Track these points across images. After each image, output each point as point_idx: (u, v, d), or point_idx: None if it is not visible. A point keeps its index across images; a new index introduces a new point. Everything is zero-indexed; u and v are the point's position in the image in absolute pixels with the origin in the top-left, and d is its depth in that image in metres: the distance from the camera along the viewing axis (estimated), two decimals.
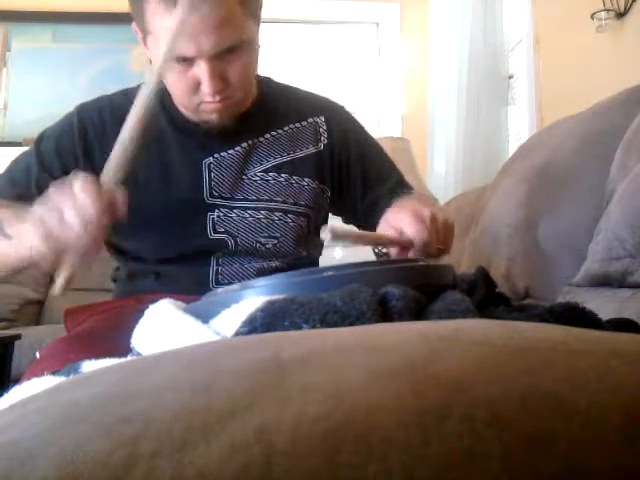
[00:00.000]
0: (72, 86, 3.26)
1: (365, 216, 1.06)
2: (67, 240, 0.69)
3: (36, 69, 3.39)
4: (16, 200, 0.88)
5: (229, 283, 0.96)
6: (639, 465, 0.26)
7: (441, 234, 0.78)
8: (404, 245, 0.76)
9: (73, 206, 0.69)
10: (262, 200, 1.00)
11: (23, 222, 0.73)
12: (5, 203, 0.87)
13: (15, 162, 1.00)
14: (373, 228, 0.86)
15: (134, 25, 0.92)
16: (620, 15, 2.00)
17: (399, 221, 0.77)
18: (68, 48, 3.41)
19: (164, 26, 0.83)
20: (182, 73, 0.88)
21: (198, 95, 0.90)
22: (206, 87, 0.87)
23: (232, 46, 0.86)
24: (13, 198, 0.90)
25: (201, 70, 0.86)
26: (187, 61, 0.86)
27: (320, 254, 1.14)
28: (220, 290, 0.60)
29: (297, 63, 3.42)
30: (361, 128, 1.13)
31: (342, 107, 1.13)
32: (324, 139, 1.07)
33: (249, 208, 0.99)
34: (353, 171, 1.07)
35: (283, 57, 3.37)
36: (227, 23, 0.84)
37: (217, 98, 0.90)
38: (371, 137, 1.13)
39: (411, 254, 0.76)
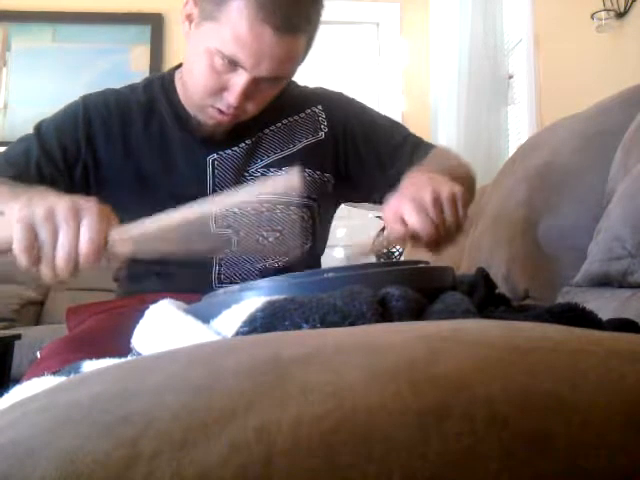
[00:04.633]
0: (72, 86, 3.26)
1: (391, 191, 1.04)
2: (47, 257, 0.65)
3: (36, 69, 3.39)
4: (14, 180, 0.87)
5: (231, 284, 0.95)
6: (639, 465, 0.26)
7: (449, 215, 0.75)
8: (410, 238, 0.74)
9: (73, 235, 0.65)
10: (264, 194, 1.00)
11: (17, 201, 0.69)
12: (2, 180, 0.86)
13: (12, 146, 0.99)
14: None
15: (192, 4, 0.91)
16: (620, 15, 2.00)
17: (400, 208, 0.75)
18: (68, 48, 3.41)
19: (242, 31, 0.83)
20: (218, 73, 0.88)
21: (216, 99, 0.91)
22: (231, 97, 0.88)
23: (278, 77, 0.89)
24: (11, 178, 0.88)
25: (237, 81, 0.87)
26: (233, 65, 0.86)
27: (324, 247, 1.13)
28: (221, 291, 0.60)
29: None
30: (362, 107, 1.11)
31: (339, 93, 1.12)
32: (324, 127, 1.06)
33: (251, 202, 0.99)
34: (364, 153, 1.06)
35: None
36: (291, 58, 0.88)
37: (231, 110, 0.91)
38: (375, 112, 1.12)
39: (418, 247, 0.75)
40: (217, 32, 0.86)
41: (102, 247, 0.66)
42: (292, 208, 1.00)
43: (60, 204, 0.66)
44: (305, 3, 0.87)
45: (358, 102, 1.12)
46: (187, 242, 0.72)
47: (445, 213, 0.75)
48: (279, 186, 0.76)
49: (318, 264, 1.10)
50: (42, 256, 0.65)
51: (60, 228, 0.65)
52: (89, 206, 0.67)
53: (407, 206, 0.74)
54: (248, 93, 0.89)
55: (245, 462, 0.24)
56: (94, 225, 0.65)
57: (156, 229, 0.69)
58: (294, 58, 0.89)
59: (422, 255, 0.83)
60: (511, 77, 2.97)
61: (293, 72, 0.95)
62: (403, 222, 0.74)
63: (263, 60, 0.85)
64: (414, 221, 0.73)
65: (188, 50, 0.94)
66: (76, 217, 0.65)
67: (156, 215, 0.70)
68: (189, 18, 0.92)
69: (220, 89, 0.89)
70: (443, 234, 0.75)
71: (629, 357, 0.32)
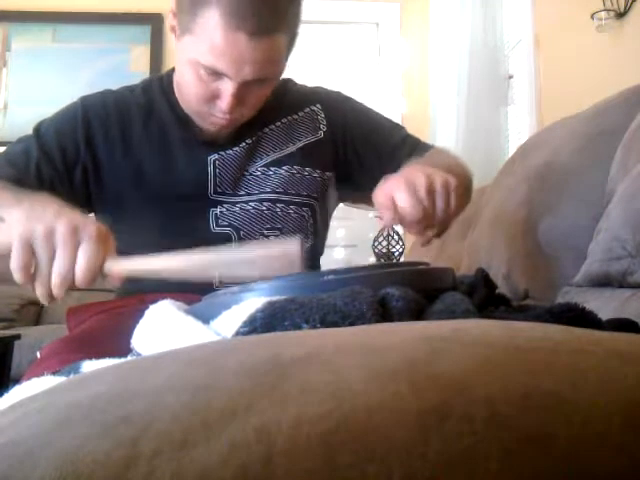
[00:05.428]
0: (72, 86, 3.26)
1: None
2: (42, 276, 0.65)
3: (36, 69, 3.39)
4: (14, 181, 0.87)
5: (232, 283, 0.95)
6: (639, 465, 0.26)
7: (440, 202, 0.75)
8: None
9: (69, 258, 0.65)
10: (264, 193, 1.00)
11: (19, 207, 0.69)
12: (2, 184, 0.85)
13: (12, 147, 0.99)
14: None
15: (172, 17, 0.91)
16: (620, 15, 2.00)
17: (392, 189, 0.75)
18: (68, 48, 3.41)
19: (216, 41, 0.83)
20: (205, 82, 0.88)
21: (210, 106, 0.91)
22: (224, 105, 0.89)
23: (264, 79, 0.89)
24: (11, 179, 0.89)
25: (226, 88, 0.87)
26: (216, 74, 0.87)
27: (324, 246, 1.13)
28: (221, 291, 0.60)
29: (297, 63, 3.42)
30: (361, 107, 1.11)
31: (337, 92, 1.12)
32: (323, 126, 1.06)
33: (252, 201, 0.99)
34: (363, 152, 1.06)
35: None
36: (272, 59, 0.87)
37: (227, 116, 0.91)
38: (373, 112, 1.12)
39: (408, 229, 0.75)
40: (194, 44, 0.86)
41: (97, 274, 0.66)
42: (292, 207, 1.00)
43: (60, 224, 0.65)
44: (278, 3, 0.86)
45: (357, 102, 1.12)
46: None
47: (437, 199, 0.75)
48: (279, 253, 0.76)
49: (318, 263, 1.10)
50: (37, 275, 0.65)
51: (57, 249, 0.65)
52: (89, 229, 0.66)
53: (399, 187, 0.74)
54: (239, 97, 0.89)
55: (245, 462, 0.24)
56: (91, 252, 0.65)
57: (153, 269, 0.70)
58: (276, 59, 0.89)
59: (422, 256, 0.83)
60: (511, 77, 2.97)
61: (281, 71, 0.94)
62: (393, 203, 0.73)
63: (243, 66, 0.85)
64: (404, 202, 0.72)
65: (177, 61, 0.94)
66: (75, 240, 0.65)
67: (156, 254, 0.70)
68: (173, 30, 0.92)
69: (212, 97, 0.90)
70: (433, 220, 0.75)
71: (629, 357, 0.32)
